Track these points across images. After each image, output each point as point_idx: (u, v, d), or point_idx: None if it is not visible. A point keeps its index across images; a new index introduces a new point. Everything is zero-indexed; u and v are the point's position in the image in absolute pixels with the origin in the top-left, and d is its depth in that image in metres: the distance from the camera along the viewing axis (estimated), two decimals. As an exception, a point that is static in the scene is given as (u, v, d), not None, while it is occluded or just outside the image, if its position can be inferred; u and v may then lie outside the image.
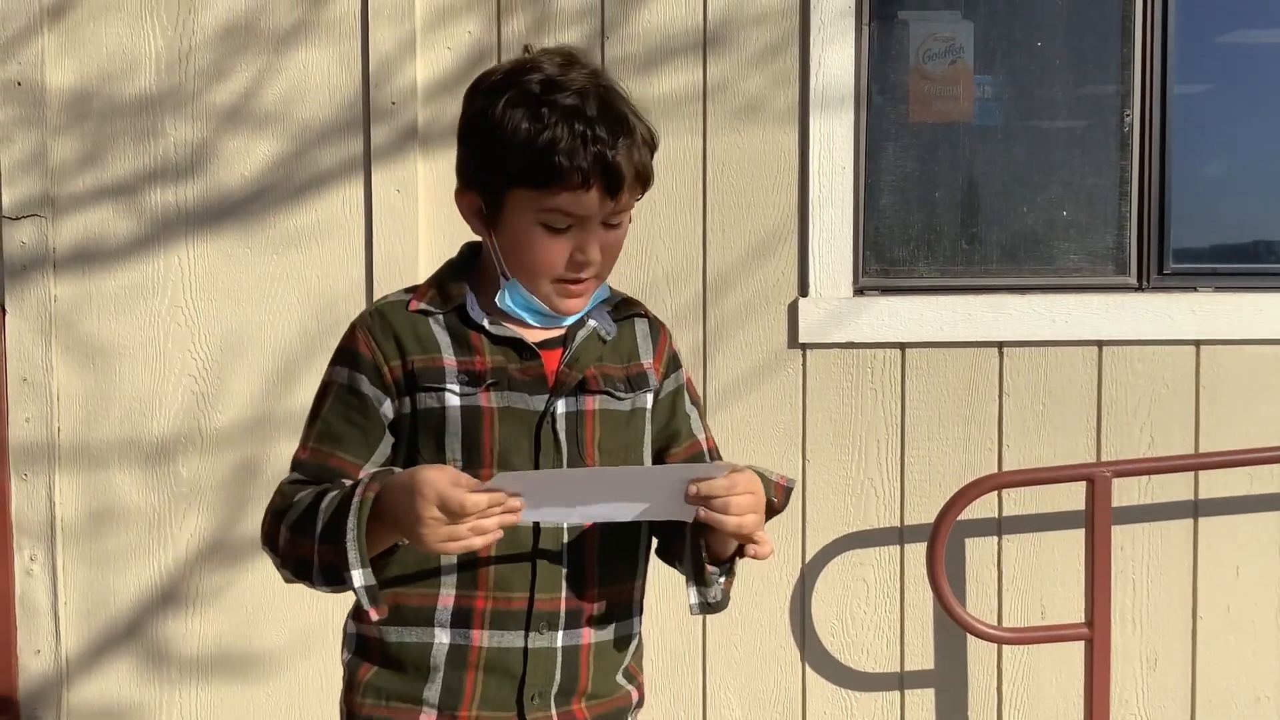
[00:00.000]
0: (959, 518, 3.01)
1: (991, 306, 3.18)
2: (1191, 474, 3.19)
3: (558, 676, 1.56)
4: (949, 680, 3.22)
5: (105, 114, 3.11)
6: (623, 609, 1.62)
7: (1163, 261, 3.26)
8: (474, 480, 1.42)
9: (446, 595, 1.54)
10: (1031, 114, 3.35)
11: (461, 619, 1.54)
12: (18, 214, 3.10)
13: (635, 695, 1.68)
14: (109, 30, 3.10)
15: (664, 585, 3.16)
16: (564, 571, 1.55)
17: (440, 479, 1.41)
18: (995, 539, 3.21)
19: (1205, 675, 3.24)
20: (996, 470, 3.16)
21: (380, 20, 3.08)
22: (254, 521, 3.13)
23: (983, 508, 3.14)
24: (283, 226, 3.12)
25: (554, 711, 1.57)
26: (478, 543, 1.41)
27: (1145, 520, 3.21)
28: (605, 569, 1.58)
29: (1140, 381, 3.20)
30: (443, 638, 1.54)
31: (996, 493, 3.15)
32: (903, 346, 3.18)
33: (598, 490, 1.48)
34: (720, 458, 1.72)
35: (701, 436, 1.70)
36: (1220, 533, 3.23)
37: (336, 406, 1.58)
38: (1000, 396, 3.19)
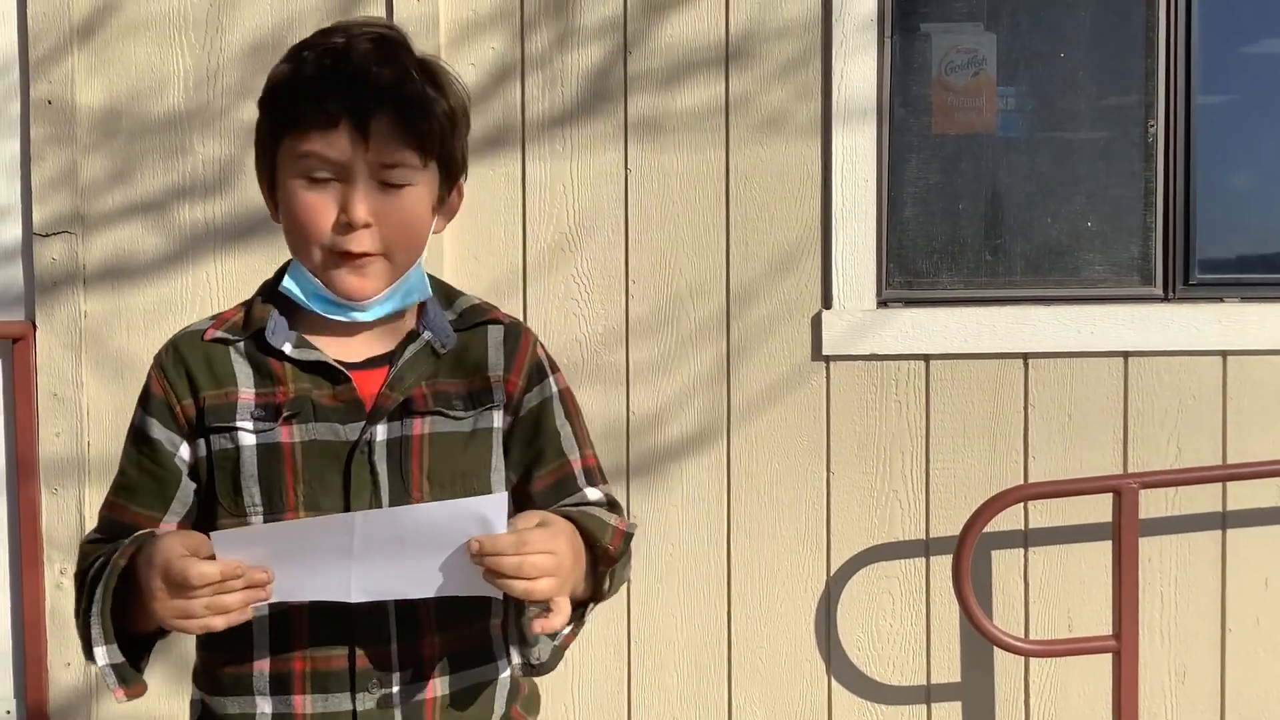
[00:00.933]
0: (984, 530, 3.00)
1: (1016, 318, 3.18)
2: (1219, 485, 3.18)
3: None
4: (975, 693, 3.20)
5: (134, 132, 3.15)
6: (476, 652, 1.40)
7: (1189, 272, 3.25)
8: (210, 547, 1.24)
9: (261, 659, 1.36)
10: (1055, 125, 3.34)
11: (280, 685, 1.36)
12: (48, 231, 3.13)
13: None
14: (138, 49, 3.14)
15: (688, 596, 3.17)
16: (391, 616, 1.34)
17: (170, 547, 1.24)
18: (1021, 551, 3.19)
19: (1234, 688, 3.22)
20: (1022, 482, 3.15)
21: (405, 37, 3.11)
22: (281, 535, 3.15)
23: (1009, 520, 3.13)
24: (309, 242, 3.14)
25: None
26: (218, 623, 1.24)
27: (1172, 532, 3.20)
28: (444, 607, 1.34)
29: (1166, 392, 3.19)
30: (264, 707, 1.37)
31: (1022, 505, 3.14)
32: (927, 358, 3.17)
33: (369, 546, 1.24)
34: (602, 479, 1.49)
35: (575, 456, 1.46)
36: (1248, 544, 3.20)
37: (131, 453, 1.42)
38: (1025, 408, 3.18)
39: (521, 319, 1.54)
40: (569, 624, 1.33)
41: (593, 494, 1.46)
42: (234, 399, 1.38)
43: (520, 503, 1.43)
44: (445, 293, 1.48)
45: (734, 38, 3.14)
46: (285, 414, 1.36)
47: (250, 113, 3.14)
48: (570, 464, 1.46)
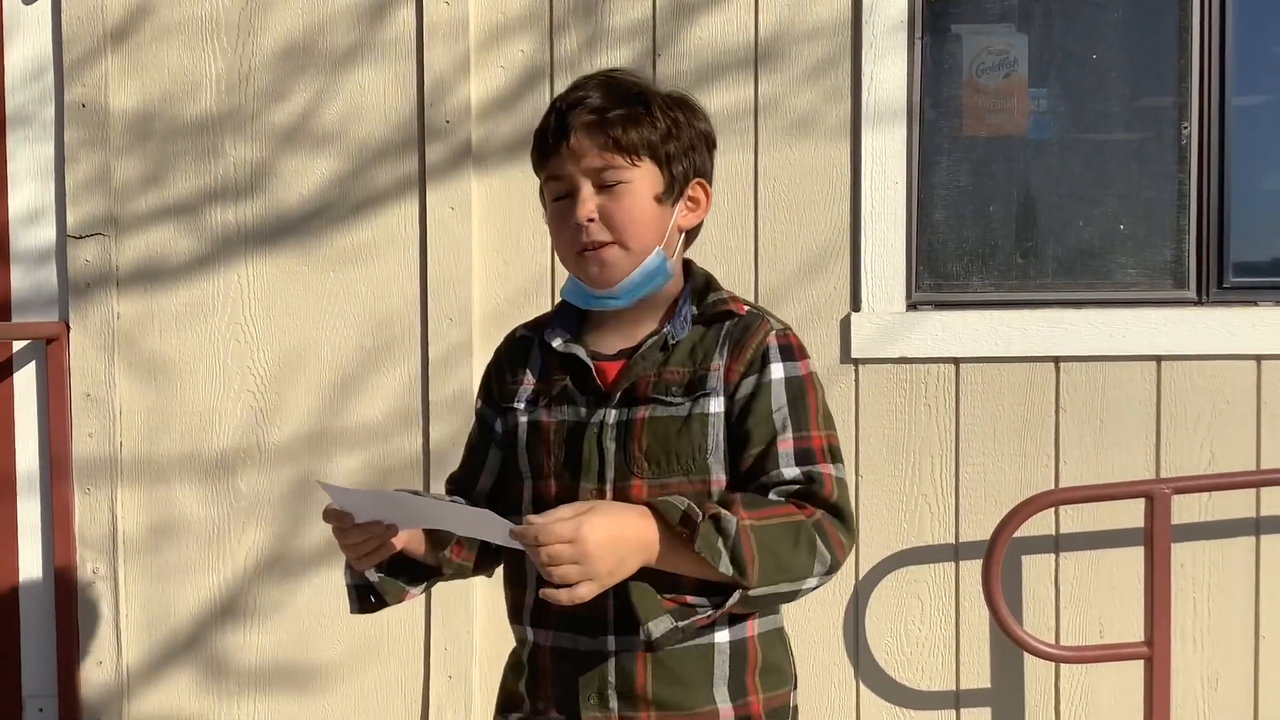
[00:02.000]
0: (1015, 535, 2.98)
1: (1047, 321, 3.15)
2: (1253, 490, 3.14)
3: (612, 679, 1.59)
4: (1005, 699, 3.18)
5: (167, 134, 3.17)
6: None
7: (1222, 275, 3.21)
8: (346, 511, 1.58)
9: (530, 594, 1.69)
10: (1087, 127, 3.32)
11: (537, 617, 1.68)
12: (82, 233, 3.16)
13: (729, 713, 1.60)
14: (171, 53, 3.16)
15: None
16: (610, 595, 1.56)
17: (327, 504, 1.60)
18: (1052, 556, 3.17)
19: (1268, 695, 3.18)
20: (1053, 487, 3.13)
21: (435, 40, 3.12)
22: (312, 535, 3.17)
23: (1040, 525, 3.10)
24: (339, 244, 3.16)
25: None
26: (350, 557, 1.61)
27: (1205, 538, 3.16)
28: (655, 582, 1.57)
29: (1200, 397, 3.16)
30: (529, 636, 1.69)
31: (1054, 510, 3.12)
32: (957, 362, 3.15)
33: (438, 518, 1.59)
34: (822, 459, 1.59)
35: (786, 435, 1.58)
36: (1283, 551, 3.17)
37: (473, 423, 1.80)
38: (1057, 412, 3.16)
39: (770, 314, 1.68)
40: (708, 610, 1.54)
41: (790, 472, 1.57)
42: (519, 385, 1.69)
43: (733, 482, 1.60)
44: (705, 287, 1.70)
45: (763, 40, 3.13)
46: (550, 397, 1.65)
47: (282, 116, 3.19)
48: (774, 444, 1.58)
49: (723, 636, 1.60)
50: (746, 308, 1.67)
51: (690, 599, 1.55)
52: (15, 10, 3.18)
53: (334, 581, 3.14)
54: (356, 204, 3.16)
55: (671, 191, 1.65)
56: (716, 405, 1.59)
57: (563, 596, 1.45)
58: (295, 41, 3.16)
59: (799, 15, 3.13)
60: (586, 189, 1.61)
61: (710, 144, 1.72)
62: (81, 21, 3.14)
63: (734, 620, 1.60)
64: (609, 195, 1.61)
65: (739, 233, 3.14)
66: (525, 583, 1.65)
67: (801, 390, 1.61)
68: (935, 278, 3.24)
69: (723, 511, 1.50)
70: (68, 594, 3.17)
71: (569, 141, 1.60)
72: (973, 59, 3.26)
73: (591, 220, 1.61)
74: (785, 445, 1.58)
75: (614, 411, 1.60)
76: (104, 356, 3.16)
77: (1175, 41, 3.25)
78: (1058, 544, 3.17)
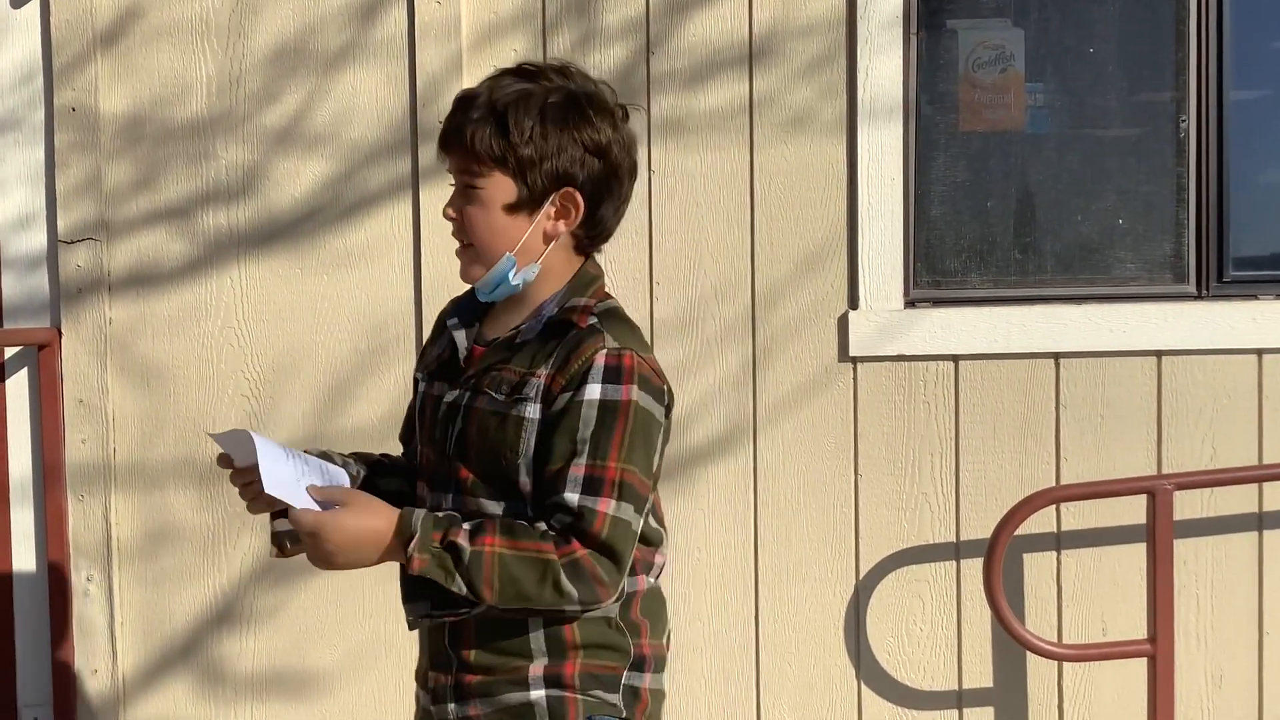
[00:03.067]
0: (1016, 532, 2.96)
1: (1047, 317, 3.13)
2: (1255, 486, 3.12)
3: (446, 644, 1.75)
4: (1008, 698, 3.16)
5: (158, 138, 3.15)
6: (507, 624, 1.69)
7: (1222, 269, 3.20)
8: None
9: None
10: (1085, 121, 3.30)
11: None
12: (73, 238, 3.14)
13: (539, 671, 1.69)
14: (161, 56, 3.14)
15: (715, 600, 3.14)
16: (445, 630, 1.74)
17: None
18: (1054, 554, 3.15)
19: (1273, 692, 3.17)
20: (1054, 484, 3.11)
21: (427, 41, 3.10)
22: (307, 540, 3.15)
23: (1041, 522, 3.08)
24: (333, 247, 3.14)
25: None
26: (245, 500, 1.77)
27: (1208, 534, 3.15)
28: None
29: (1201, 392, 3.14)
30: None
31: (1055, 507, 3.10)
32: (956, 359, 3.14)
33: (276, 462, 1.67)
34: (611, 494, 1.59)
35: (580, 462, 1.60)
36: (1287, 546, 3.15)
37: None
38: (1057, 408, 3.14)
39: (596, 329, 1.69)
40: (463, 610, 1.66)
41: (570, 499, 1.61)
42: (432, 354, 1.81)
43: (533, 490, 1.66)
44: (583, 291, 1.73)
45: (758, 36, 3.11)
46: (436, 371, 1.77)
47: (273, 118, 3.16)
48: (565, 468, 1.61)
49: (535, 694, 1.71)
50: (592, 321, 1.67)
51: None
52: (4, 14, 3.16)
53: (330, 588, 3.12)
54: (350, 206, 3.14)
55: (527, 202, 1.69)
56: (533, 412, 1.64)
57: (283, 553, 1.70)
58: (286, 43, 3.13)
59: (793, 11, 3.11)
60: (455, 188, 1.71)
61: (596, 149, 1.69)
62: (71, 25, 3.12)
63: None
64: (466, 199, 1.70)
65: (735, 231, 3.12)
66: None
67: (614, 417, 1.61)
68: (933, 274, 3.22)
69: (462, 542, 1.59)
70: (62, 601, 3.14)
71: (444, 142, 1.72)
72: (969, 54, 3.24)
73: (452, 219, 1.72)
74: (577, 470, 1.60)
75: (464, 394, 1.70)
76: (96, 362, 3.14)
77: (1172, 35, 3.23)
78: (1059, 541, 3.15)
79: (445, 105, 3.06)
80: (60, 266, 3.14)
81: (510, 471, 1.65)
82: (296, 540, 1.68)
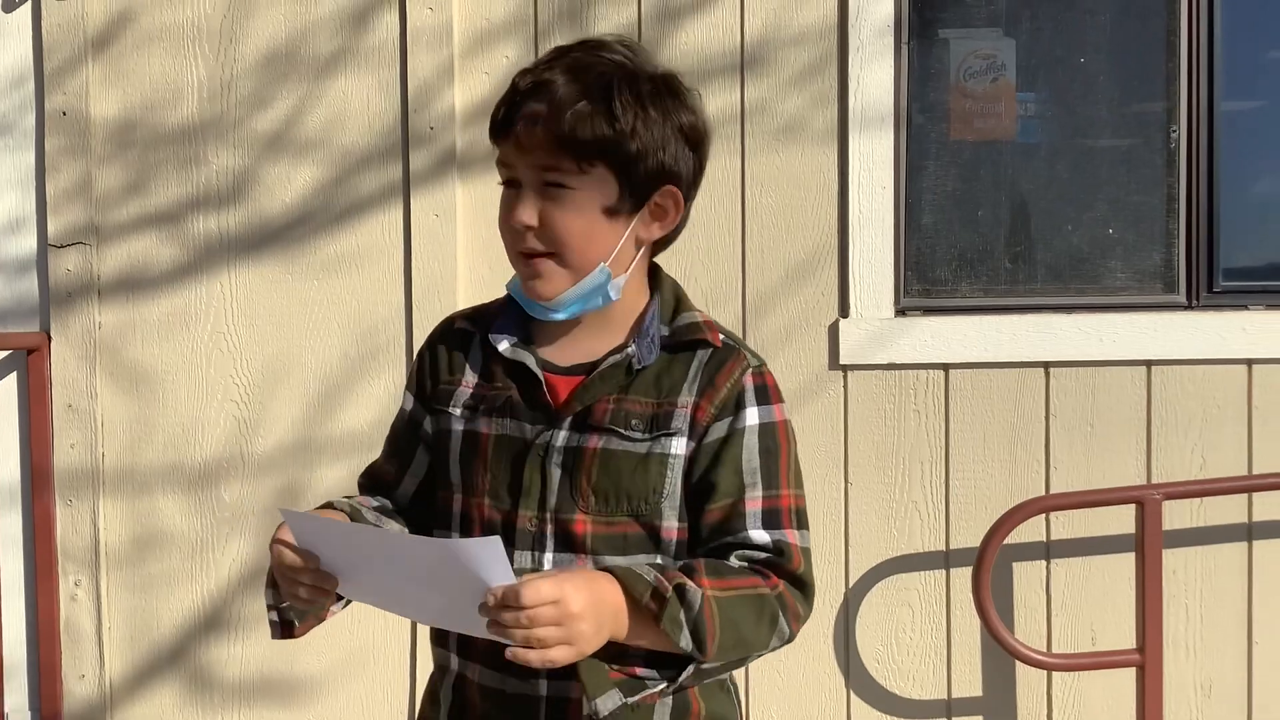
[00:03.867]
0: (1005, 541, 2.96)
1: (1037, 326, 3.14)
2: (1244, 496, 3.13)
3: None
4: (997, 707, 3.16)
5: (149, 143, 3.15)
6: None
7: (1212, 279, 3.20)
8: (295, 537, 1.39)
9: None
10: (1076, 131, 3.31)
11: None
12: (63, 242, 3.13)
13: None
14: (152, 60, 3.14)
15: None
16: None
17: (278, 534, 1.40)
18: (1043, 563, 3.15)
19: (1261, 702, 3.17)
20: (1044, 493, 3.11)
21: (419, 47, 3.10)
22: (295, 546, 3.14)
23: (1030, 531, 3.09)
24: (324, 252, 3.13)
25: None
26: (300, 603, 1.42)
27: (1197, 543, 3.15)
28: None
29: (1190, 402, 3.14)
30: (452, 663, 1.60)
31: (1044, 516, 3.10)
32: (946, 367, 3.14)
33: (400, 568, 1.33)
34: (789, 524, 1.44)
35: (755, 494, 1.42)
36: (1275, 556, 3.15)
37: (397, 415, 1.60)
38: (1047, 418, 3.14)
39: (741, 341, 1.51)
40: (661, 684, 1.38)
41: (758, 536, 1.42)
42: (456, 386, 1.50)
43: (692, 534, 1.44)
44: (675, 303, 1.51)
45: (749, 45, 3.11)
46: (492, 405, 1.46)
47: (264, 123, 3.16)
48: (742, 502, 1.42)
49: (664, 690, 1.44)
50: (722, 337, 1.48)
51: (640, 671, 1.39)
52: (-5, 18, 3.16)
53: (319, 593, 3.11)
54: (340, 211, 3.14)
55: (627, 202, 1.44)
56: (679, 446, 1.42)
57: (534, 658, 1.27)
58: (278, 48, 3.13)
59: (785, 20, 3.12)
60: (529, 188, 1.43)
61: (694, 139, 1.48)
62: (62, 29, 3.12)
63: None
64: (552, 200, 1.42)
65: (726, 238, 3.12)
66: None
67: (776, 442, 1.44)
68: (924, 283, 3.22)
69: (688, 582, 1.35)
70: (49, 607, 3.13)
71: (517, 132, 1.42)
72: (960, 63, 3.24)
73: (530, 227, 1.43)
74: (754, 504, 1.42)
75: (563, 434, 1.43)
76: (86, 367, 3.13)
77: (1163, 46, 3.24)
78: (1049, 550, 3.15)
79: (437, 112, 3.10)
80: (50, 271, 3.14)
81: (651, 517, 1.41)
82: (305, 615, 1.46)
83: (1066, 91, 3.29)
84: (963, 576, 3.10)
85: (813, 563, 1.46)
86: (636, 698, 1.38)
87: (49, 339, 3.13)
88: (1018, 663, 3.07)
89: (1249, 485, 3.09)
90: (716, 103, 3.10)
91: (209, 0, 3.13)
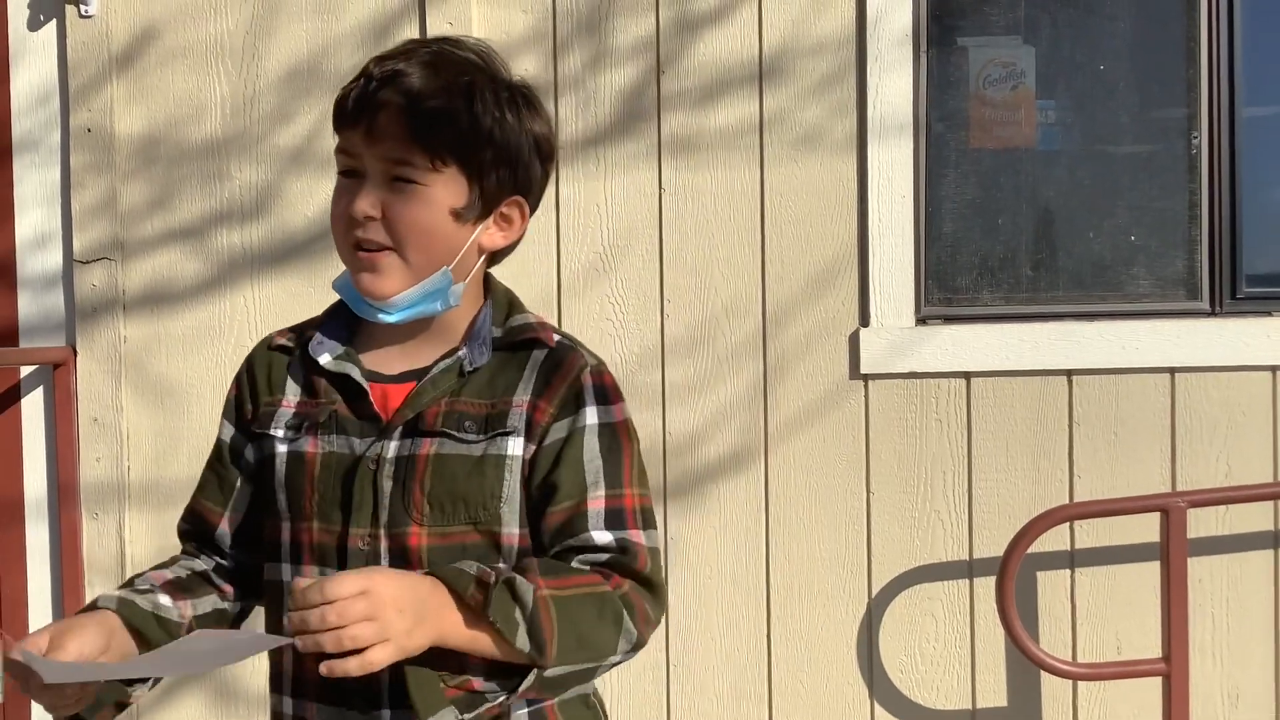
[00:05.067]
0: (1029, 550, 2.95)
1: (1060, 334, 3.13)
2: (1271, 503, 3.11)
3: None
4: (1022, 717, 3.14)
5: (173, 158, 3.17)
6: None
7: (1235, 286, 3.18)
8: (63, 643, 1.28)
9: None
10: (1096, 138, 3.30)
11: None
12: (88, 258, 3.16)
13: None
14: (176, 77, 3.17)
15: (727, 619, 3.13)
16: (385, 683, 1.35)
17: (34, 638, 1.29)
18: (1068, 572, 3.13)
19: (1291, 712, 3.14)
20: (1067, 501, 3.10)
21: (439, 60, 3.12)
22: (319, 559, 3.16)
23: (1054, 540, 3.07)
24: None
25: None
26: (49, 708, 1.31)
27: (1223, 551, 3.13)
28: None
29: (1215, 409, 3.12)
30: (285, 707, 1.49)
31: (1068, 524, 3.09)
32: (968, 376, 3.13)
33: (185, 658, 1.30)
34: (634, 524, 1.38)
35: (597, 493, 1.37)
36: (1303, 564, 3.13)
37: (211, 450, 1.50)
38: (1070, 426, 3.13)
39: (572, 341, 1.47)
40: (500, 695, 1.30)
41: (600, 537, 1.36)
42: (276, 406, 1.42)
43: (534, 541, 1.39)
44: (507, 308, 1.46)
45: (768, 55, 3.12)
46: (316, 422, 1.39)
47: (287, 138, 3.18)
48: (584, 503, 1.36)
49: (519, 711, 1.37)
50: (557, 337, 1.43)
51: (478, 684, 1.31)
52: (21, 36, 3.19)
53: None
54: (362, 225, 3.15)
55: (475, 207, 1.39)
56: (516, 447, 1.36)
57: (352, 665, 1.19)
58: (300, 64, 3.16)
59: (803, 30, 3.12)
60: (374, 179, 1.36)
61: (545, 152, 1.45)
62: (87, 47, 3.15)
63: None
64: (398, 194, 1.36)
65: (746, 249, 3.12)
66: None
67: (616, 440, 1.39)
68: (945, 291, 3.21)
69: (518, 578, 1.28)
70: (76, 620, 3.15)
71: (370, 121, 1.35)
72: (979, 71, 3.24)
73: (371, 218, 1.36)
74: (596, 504, 1.37)
75: (394, 444, 1.36)
76: (111, 381, 3.16)
77: (1183, 52, 3.23)
78: (1073, 559, 3.13)
79: (457, 125, 3.11)
80: (75, 286, 3.17)
81: (490, 523, 1.36)
82: (124, 687, 1.35)
83: (1086, 98, 3.28)
84: (986, 586, 3.09)
85: (660, 566, 1.40)
86: (474, 714, 1.30)
87: (75, 354, 3.16)
88: (1043, 672, 3.06)
89: (1275, 493, 3.07)
90: (735, 114, 3.11)
91: (232, 17, 3.16)
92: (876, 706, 3.15)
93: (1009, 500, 3.12)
